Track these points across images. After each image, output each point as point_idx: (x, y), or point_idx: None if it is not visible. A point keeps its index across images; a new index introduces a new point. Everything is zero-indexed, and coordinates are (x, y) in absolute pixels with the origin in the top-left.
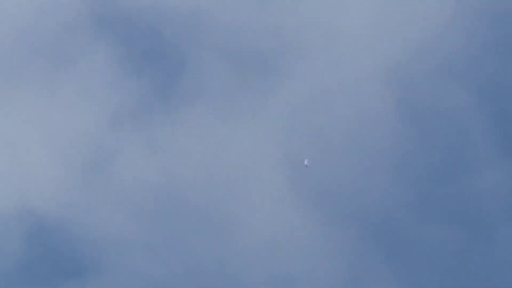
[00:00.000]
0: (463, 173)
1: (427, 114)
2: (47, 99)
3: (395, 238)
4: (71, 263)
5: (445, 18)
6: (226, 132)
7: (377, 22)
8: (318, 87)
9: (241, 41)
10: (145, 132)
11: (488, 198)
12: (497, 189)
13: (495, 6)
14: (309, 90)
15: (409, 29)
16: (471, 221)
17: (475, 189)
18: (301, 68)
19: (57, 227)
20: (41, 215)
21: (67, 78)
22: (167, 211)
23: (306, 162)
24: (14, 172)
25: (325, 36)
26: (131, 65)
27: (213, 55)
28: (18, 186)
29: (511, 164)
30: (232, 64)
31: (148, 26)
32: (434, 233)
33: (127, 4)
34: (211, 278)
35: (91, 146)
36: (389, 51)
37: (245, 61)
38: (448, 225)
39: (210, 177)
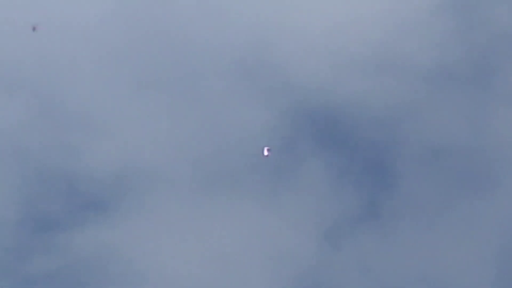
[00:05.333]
0: None
1: None
2: (266, 210)
3: None
4: None
5: None
6: (438, 249)
7: None
8: None
9: (454, 153)
10: (357, 247)
11: None
12: None
13: None
14: None
15: None
16: None
17: None
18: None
19: None
20: None
21: (287, 191)
22: None
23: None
24: (226, 282)
25: None
26: (347, 179)
27: (424, 166)
28: None
29: None
30: (443, 177)
31: (364, 139)
32: None
33: (346, 118)
34: None
35: (304, 260)
36: None
37: (458, 175)
38: None
39: None
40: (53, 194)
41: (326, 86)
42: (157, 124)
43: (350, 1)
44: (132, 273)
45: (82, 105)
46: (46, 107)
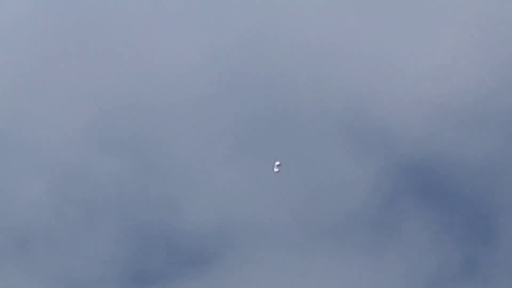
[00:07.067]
0: None
1: None
2: (367, 264)
3: None
4: None
5: None
6: None
7: None
8: None
9: None
10: None
11: None
12: None
13: None
14: None
15: None
16: None
17: None
18: None
19: None
20: None
21: (390, 243)
22: None
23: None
24: None
25: None
26: (447, 234)
27: None
28: None
29: None
30: None
31: (463, 193)
32: None
33: (445, 172)
34: None
35: None
36: None
37: None
38: None
39: None
40: (155, 249)
41: (425, 141)
42: (258, 179)
43: (443, 55)
44: None
45: (183, 161)
46: (147, 164)
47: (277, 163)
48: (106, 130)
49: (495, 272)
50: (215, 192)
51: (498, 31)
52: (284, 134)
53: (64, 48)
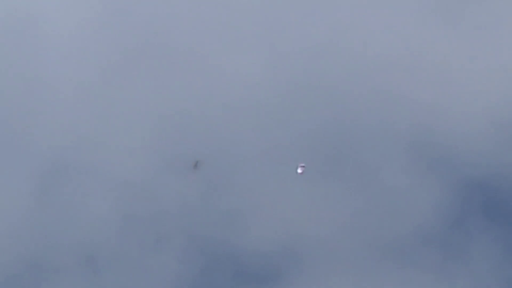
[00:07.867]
0: None
1: None
2: (436, 282)
3: None
4: None
5: None
6: None
7: None
8: None
9: None
10: None
11: None
12: None
13: None
14: None
15: None
16: None
17: None
18: None
19: None
20: None
21: (455, 265)
22: None
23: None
24: None
25: None
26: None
27: None
28: None
29: None
30: None
31: None
32: None
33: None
34: None
35: None
36: None
37: None
38: None
39: None
40: (221, 267)
41: (492, 158)
42: (323, 196)
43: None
44: None
45: (249, 178)
46: (212, 181)
47: (302, 164)
48: (171, 147)
49: None
50: (281, 209)
51: None
52: (348, 150)
53: (128, 68)
